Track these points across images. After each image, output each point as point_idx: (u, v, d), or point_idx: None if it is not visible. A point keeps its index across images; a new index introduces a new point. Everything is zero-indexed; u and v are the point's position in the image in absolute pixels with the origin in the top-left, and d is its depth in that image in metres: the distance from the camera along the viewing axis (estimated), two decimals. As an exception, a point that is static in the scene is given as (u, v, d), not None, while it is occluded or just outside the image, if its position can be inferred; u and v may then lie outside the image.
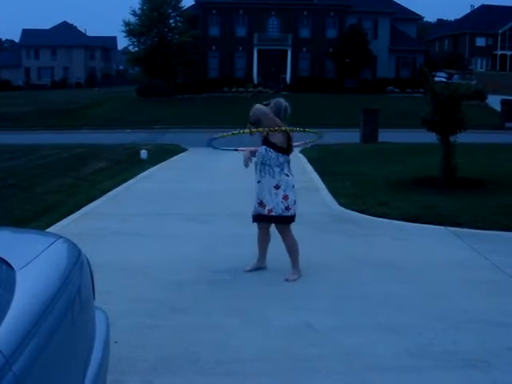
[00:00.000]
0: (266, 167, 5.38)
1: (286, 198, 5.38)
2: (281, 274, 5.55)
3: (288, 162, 5.48)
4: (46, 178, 12.47)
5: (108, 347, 2.63)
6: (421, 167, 12.46)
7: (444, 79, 38.23)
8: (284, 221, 5.46)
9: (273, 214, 5.39)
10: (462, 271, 5.73)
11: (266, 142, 5.41)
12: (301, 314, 4.54)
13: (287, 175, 5.42)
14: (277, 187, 5.37)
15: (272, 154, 5.36)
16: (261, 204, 5.45)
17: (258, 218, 5.56)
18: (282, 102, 5.53)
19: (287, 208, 5.40)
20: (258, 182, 5.48)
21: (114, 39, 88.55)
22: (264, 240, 5.69)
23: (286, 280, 5.38)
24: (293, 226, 5.59)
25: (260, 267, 5.69)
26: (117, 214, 8.59)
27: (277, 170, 5.37)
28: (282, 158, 5.40)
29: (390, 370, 3.65)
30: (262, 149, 5.40)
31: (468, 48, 70.21)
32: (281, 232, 5.56)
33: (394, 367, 3.69)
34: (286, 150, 5.43)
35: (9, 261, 2.15)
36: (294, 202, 5.45)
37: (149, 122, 34.35)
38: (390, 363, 3.74)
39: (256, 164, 5.48)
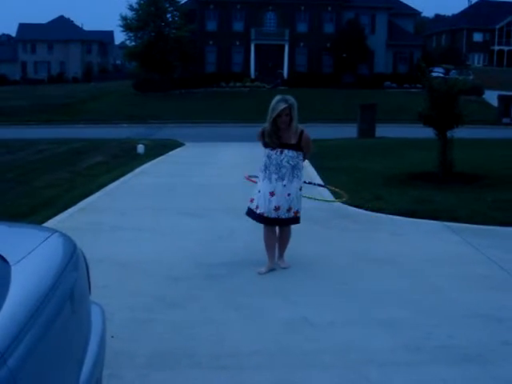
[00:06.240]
0: (295, 170, 5.37)
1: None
2: (278, 268, 5.55)
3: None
4: (42, 173, 12.44)
5: (104, 341, 2.63)
6: (418, 162, 12.45)
7: (441, 74, 38.24)
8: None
9: (299, 215, 5.50)
10: (458, 266, 5.73)
11: (291, 145, 5.32)
12: (298, 309, 4.55)
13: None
14: (301, 189, 5.48)
15: (300, 155, 5.43)
16: (277, 208, 5.32)
17: (276, 221, 5.46)
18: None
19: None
20: (284, 185, 5.31)
21: (111, 33, 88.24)
22: (276, 240, 5.63)
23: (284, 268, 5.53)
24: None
25: (273, 268, 5.51)
26: (114, 209, 8.57)
27: (301, 171, 5.48)
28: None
29: (387, 365, 3.65)
30: (293, 152, 5.31)
31: (465, 43, 70.15)
32: (289, 229, 5.62)
33: (390, 362, 3.70)
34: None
35: (4, 255, 2.14)
36: None
37: (146, 116, 34.27)
38: (387, 358, 3.74)
39: (279, 166, 5.30)
